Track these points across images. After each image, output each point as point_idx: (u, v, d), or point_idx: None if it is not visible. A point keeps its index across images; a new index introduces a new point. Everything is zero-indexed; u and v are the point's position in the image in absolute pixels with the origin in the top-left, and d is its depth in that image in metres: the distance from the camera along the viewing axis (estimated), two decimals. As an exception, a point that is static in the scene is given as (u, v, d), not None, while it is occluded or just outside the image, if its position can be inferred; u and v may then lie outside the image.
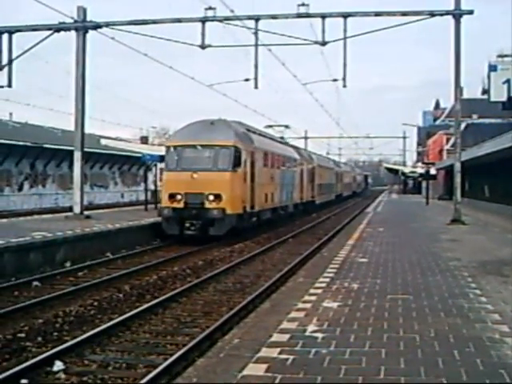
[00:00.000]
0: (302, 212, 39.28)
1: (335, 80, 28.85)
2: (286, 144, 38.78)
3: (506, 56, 56.24)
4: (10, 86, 25.97)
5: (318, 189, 46.98)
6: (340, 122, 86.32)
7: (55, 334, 10.05)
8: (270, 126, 38.06)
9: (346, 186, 75.75)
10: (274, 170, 30.48)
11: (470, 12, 24.88)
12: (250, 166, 24.90)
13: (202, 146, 23.30)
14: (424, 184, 58.94)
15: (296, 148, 41.46)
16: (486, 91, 56.98)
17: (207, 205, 22.52)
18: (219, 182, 22.66)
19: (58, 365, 8.30)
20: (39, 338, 9.71)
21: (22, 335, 9.80)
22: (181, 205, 22.74)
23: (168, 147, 24.50)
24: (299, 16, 24.76)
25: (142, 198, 45.28)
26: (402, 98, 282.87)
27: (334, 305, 9.22)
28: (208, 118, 25.12)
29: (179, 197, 22.79)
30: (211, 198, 22.49)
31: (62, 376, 8.09)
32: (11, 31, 25.71)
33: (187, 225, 22.67)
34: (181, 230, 22.79)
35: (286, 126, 39.94)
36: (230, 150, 23.14)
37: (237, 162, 23.30)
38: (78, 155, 26.07)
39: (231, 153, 23.11)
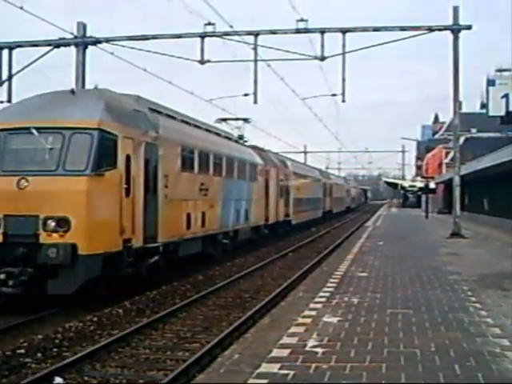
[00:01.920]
0: (268, 237, 29.93)
1: (334, 95, 28.91)
2: (241, 143, 28.76)
3: (504, 71, 56.53)
4: (9, 101, 25.99)
5: (295, 205, 37.78)
6: (339, 136, 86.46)
7: (55, 349, 10.01)
8: (224, 120, 29.02)
9: (336, 201, 64.50)
10: (209, 177, 20.09)
11: (469, 27, 25.03)
12: (145, 167, 15.02)
13: (39, 129, 13.24)
14: (423, 198, 58.94)
15: (258, 150, 30.82)
16: (484, 105, 57.16)
17: (44, 238, 12.67)
18: (67, 196, 12.91)
19: (58, 381, 8.27)
20: (39, 354, 9.67)
21: (22, 351, 9.76)
22: None
23: None
24: (298, 31, 24.89)
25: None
26: (401, 112, 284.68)
27: (334, 319, 9.20)
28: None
29: None
30: (52, 224, 12.67)
31: (62, 392, 8.06)
32: (11, 47, 25.82)
33: (2, 276, 12.40)
34: None
35: (245, 120, 30.15)
36: (90, 137, 13.21)
37: (106, 159, 13.42)
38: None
39: (93, 141, 13.16)
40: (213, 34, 25.11)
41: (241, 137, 29.31)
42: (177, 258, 17.59)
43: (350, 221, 57.53)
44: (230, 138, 25.98)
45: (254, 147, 30.42)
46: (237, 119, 30.02)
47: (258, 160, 28.48)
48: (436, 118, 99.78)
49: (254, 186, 26.94)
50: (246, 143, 30.07)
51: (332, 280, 13.31)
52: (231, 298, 15.13)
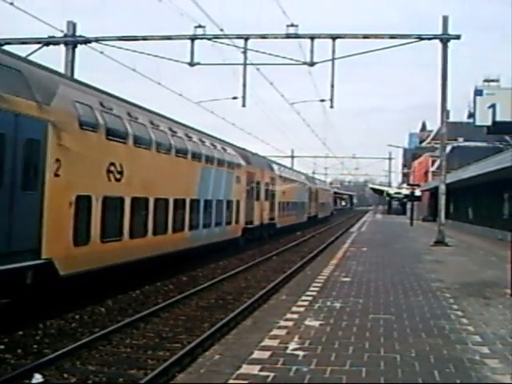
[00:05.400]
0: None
1: (323, 100, 29.05)
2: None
3: (492, 81, 57.04)
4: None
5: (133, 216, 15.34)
6: (326, 142, 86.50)
7: (35, 346, 9.97)
8: None
9: (289, 209, 42.58)
10: None
11: (457, 37, 25.22)
12: None
13: None
14: (409, 205, 59.15)
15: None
16: (471, 115, 57.42)
17: None
18: None
19: (37, 377, 8.24)
20: (19, 351, 9.63)
21: (2, 347, 9.72)
22: None
23: None
24: (288, 36, 24.96)
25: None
26: (388, 120, 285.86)
27: (316, 323, 9.22)
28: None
29: None
30: None
31: (41, 389, 8.04)
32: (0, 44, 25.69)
33: None
34: None
35: None
36: None
37: None
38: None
39: None
40: (203, 37, 25.16)
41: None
42: None
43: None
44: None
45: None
46: None
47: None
48: (423, 126, 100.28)
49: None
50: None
51: (315, 284, 13.33)
52: (214, 299, 15.13)
